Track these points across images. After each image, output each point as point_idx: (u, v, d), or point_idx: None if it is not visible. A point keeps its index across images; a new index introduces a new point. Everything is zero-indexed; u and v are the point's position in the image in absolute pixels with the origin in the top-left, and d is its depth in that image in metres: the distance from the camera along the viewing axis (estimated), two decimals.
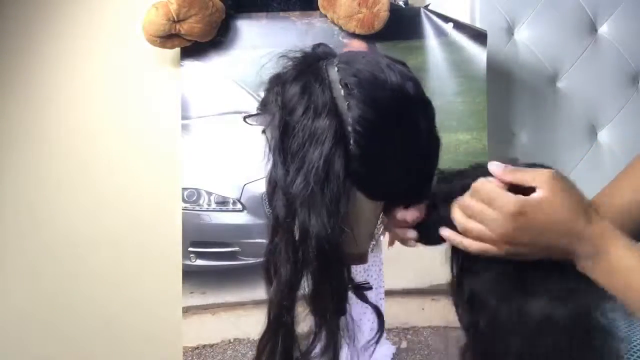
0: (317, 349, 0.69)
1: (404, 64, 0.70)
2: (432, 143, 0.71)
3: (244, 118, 0.76)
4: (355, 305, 0.74)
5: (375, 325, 0.73)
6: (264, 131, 0.70)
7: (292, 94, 0.67)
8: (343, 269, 0.71)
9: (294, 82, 0.67)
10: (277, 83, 0.69)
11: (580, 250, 0.62)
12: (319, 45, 0.72)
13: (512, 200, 0.62)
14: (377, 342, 0.81)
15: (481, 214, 0.64)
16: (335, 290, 0.69)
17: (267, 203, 0.71)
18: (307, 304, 0.69)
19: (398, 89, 0.66)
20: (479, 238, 0.64)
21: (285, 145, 0.66)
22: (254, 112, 0.76)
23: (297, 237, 0.66)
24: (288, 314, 0.68)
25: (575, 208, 0.62)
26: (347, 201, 0.65)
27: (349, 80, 0.65)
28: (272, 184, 0.68)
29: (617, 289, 0.61)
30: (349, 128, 0.64)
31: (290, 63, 0.69)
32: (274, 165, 0.68)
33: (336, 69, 0.67)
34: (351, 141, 0.64)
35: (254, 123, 0.73)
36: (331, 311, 0.69)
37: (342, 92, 0.65)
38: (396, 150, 0.66)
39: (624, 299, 0.61)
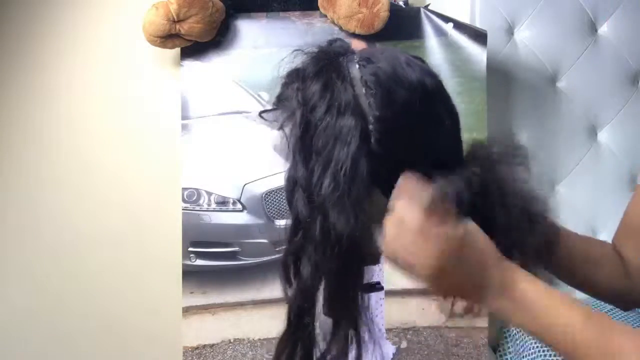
0: (335, 351, 0.68)
1: (422, 61, 0.69)
2: (455, 137, 0.70)
3: (260, 113, 0.74)
4: None
5: (381, 326, 0.73)
6: (281, 127, 0.68)
7: (314, 91, 0.64)
8: (361, 269, 0.70)
9: (315, 78, 0.65)
10: (296, 79, 0.67)
11: (488, 282, 0.61)
12: (335, 40, 0.70)
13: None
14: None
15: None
16: (353, 290, 0.68)
17: (286, 202, 0.69)
18: (323, 304, 0.68)
19: (418, 85, 0.65)
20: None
21: (306, 144, 0.64)
22: (259, 111, 0.74)
23: (319, 237, 0.64)
24: (308, 315, 0.67)
25: (488, 246, 0.62)
26: (370, 200, 0.64)
27: (369, 78, 0.64)
28: (292, 182, 0.66)
29: (524, 322, 0.60)
30: (371, 127, 0.63)
31: (307, 59, 0.67)
32: (295, 164, 0.65)
33: (357, 66, 0.65)
34: (372, 140, 0.63)
35: (270, 119, 0.71)
36: (349, 312, 0.68)
37: (364, 90, 0.64)
38: (419, 147, 0.65)
39: (532, 332, 0.60)
